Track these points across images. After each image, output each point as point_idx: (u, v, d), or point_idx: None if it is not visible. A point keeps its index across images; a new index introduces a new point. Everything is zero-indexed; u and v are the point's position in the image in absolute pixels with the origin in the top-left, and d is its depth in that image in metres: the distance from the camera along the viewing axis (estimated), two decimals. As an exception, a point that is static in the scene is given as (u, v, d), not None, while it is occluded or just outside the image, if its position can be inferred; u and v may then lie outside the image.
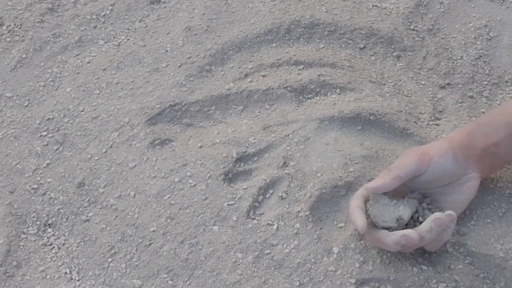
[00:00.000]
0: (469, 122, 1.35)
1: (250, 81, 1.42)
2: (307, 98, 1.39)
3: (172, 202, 1.24)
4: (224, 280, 1.14)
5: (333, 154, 1.28)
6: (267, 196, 1.24)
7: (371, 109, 1.33)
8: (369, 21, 1.54)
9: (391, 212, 1.10)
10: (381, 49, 1.50)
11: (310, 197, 1.22)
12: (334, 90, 1.40)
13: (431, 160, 1.13)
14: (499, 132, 1.13)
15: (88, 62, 1.51)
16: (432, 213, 1.13)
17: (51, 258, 1.21)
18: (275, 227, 1.19)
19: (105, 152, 1.34)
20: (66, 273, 1.18)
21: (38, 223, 1.26)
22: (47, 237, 1.25)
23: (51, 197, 1.29)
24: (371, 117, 1.33)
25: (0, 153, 1.37)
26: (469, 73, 1.46)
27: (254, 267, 1.14)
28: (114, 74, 1.47)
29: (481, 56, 1.50)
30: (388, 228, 1.10)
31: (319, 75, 1.40)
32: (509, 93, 1.43)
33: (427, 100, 1.40)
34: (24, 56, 1.53)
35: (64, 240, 1.24)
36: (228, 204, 1.22)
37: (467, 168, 1.15)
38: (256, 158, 1.30)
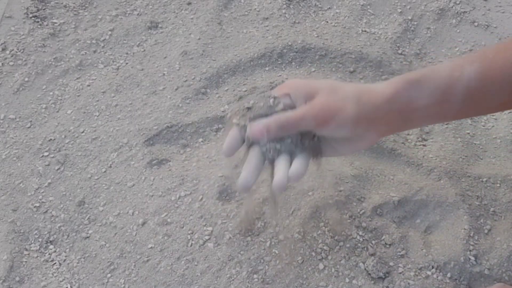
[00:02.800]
0: (454, 142, 1.38)
1: (244, 103, 1.44)
2: (299, 120, 1.40)
3: (169, 220, 1.25)
4: (219, 295, 1.16)
5: (324, 174, 1.29)
6: (260, 214, 1.26)
7: (360, 130, 1.35)
8: (358, 45, 1.56)
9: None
10: (370, 72, 1.52)
11: (302, 215, 1.24)
12: (325, 112, 1.40)
13: (326, 126, 0.99)
14: (423, 97, 1.00)
15: (88, 85, 1.52)
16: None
17: (52, 274, 1.22)
18: (268, 243, 1.20)
19: (105, 171, 1.35)
20: (67, 288, 1.20)
21: (40, 240, 1.27)
22: (49, 254, 1.25)
23: (53, 215, 1.30)
24: (360, 138, 1.34)
25: (4, 172, 1.37)
26: (454, 96, 1.48)
27: (248, 282, 1.16)
28: (113, 97, 1.49)
29: (466, 79, 1.51)
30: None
31: (310, 98, 1.41)
32: (493, 115, 1.45)
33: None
34: (26, 79, 1.54)
35: (65, 256, 1.25)
36: (222, 222, 1.24)
37: (366, 131, 1.02)
38: (249, 177, 1.32)
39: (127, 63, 1.57)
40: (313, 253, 1.20)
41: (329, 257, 1.19)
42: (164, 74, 1.52)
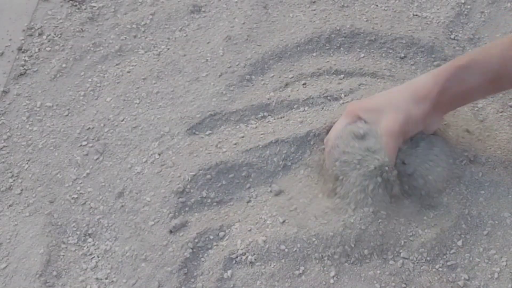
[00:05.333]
0: (510, 131, 1.34)
1: (291, 90, 1.41)
2: (348, 108, 1.37)
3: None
4: None
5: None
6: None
7: (412, 118, 1.31)
8: (409, 30, 1.53)
9: None
10: (421, 58, 1.49)
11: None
12: (375, 99, 1.38)
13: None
14: (474, 80, 1.16)
15: (128, 72, 1.51)
16: None
17: (91, 268, 1.20)
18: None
19: (145, 161, 1.33)
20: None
21: (78, 233, 1.25)
22: (87, 247, 1.23)
23: (91, 207, 1.28)
24: (413, 127, 1.31)
25: (40, 162, 1.36)
26: (510, 83, 1.44)
27: None
28: (154, 84, 1.47)
29: (522, 65, 1.48)
30: None
31: (359, 84, 1.39)
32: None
33: (467, 110, 1.39)
34: (64, 65, 1.53)
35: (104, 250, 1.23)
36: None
37: (433, 117, 1.21)
38: (296, 164, 1.30)
39: (168, 49, 1.56)
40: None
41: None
42: (207, 60, 1.51)
